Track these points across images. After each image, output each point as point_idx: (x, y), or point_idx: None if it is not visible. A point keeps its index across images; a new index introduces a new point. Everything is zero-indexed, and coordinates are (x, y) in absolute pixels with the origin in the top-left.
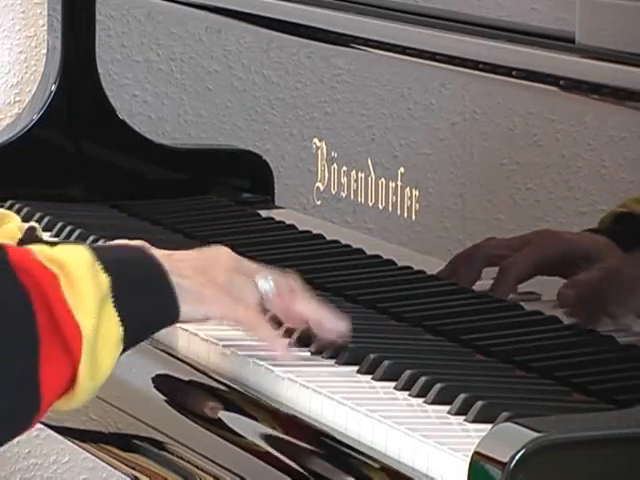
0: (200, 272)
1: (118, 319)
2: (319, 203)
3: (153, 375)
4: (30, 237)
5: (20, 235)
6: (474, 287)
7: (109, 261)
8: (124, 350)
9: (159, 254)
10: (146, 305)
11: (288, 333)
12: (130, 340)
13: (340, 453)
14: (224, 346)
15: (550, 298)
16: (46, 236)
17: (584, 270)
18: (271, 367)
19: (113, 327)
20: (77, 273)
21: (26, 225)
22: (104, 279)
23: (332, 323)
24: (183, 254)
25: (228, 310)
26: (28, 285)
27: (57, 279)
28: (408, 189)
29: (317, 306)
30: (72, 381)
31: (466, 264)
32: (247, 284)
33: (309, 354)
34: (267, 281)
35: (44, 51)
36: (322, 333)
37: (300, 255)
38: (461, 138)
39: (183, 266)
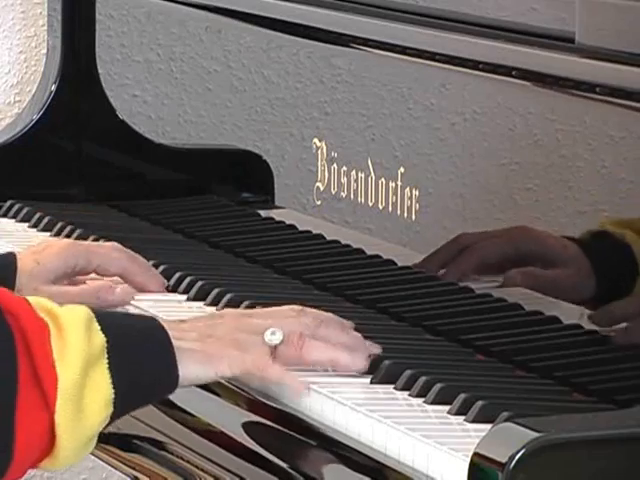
0: (205, 334)
1: (110, 381)
2: (319, 203)
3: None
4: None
5: None
6: (474, 287)
7: (110, 323)
8: (118, 413)
9: (168, 323)
10: (143, 370)
11: None
12: (123, 403)
13: (340, 453)
14: None
15: (550, 298)
16: (46, 236)
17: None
18: None
19: (104, 388)
20: (68, 327)
21: None
22: (100, 339)
23: (346, 365)
24: (191, 320)
25: (236, 363)
26: (14, 331)
27: (47, 329)
28: (408, 189)
29: (328, 350)
30: (51, 431)
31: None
32: (253, 339)
33: None
34: (274, 334)
35: (44, 51)
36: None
37: (300, 255)
38: (461, 138)
39: (188, 331)
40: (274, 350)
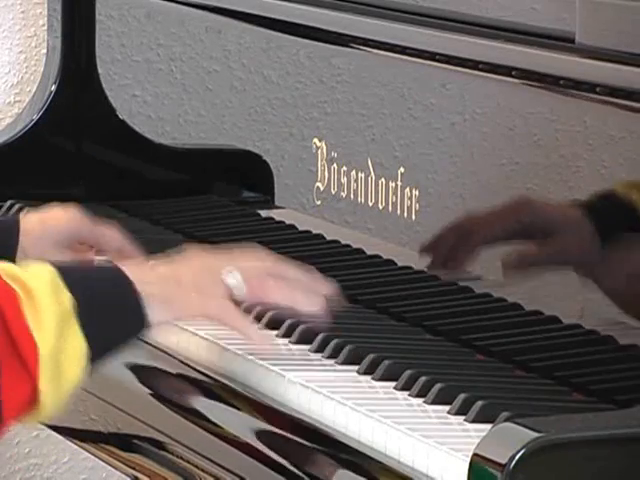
0: (166, 277)
1: (82, 336)
2: (319, 203)
3: (155, 375)
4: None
5: None
6: (474, 287)
7: (74, 279)
8: (93, 368)
9: (128, 266)
10: (112, 319)
11: (258, 318)
12: (97, 355)
13: (340, 453)
14: (222, 345)
15: (550, 298)
16: None
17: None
18: (271, 367)
19: (77, 344)
20: (38, 291)
21: None
22: (67, 297)
23: (305, 307)
24: (153, 263)
25: (197, 307)
26: None
27: (17, 297)
28: (408, 189)
29: (286, 292)
30: (34, 396)
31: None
32: (213, 280)
33: (308, 353)
34: (233, 275)
35: (44, 51)
36: (298, 316)
37: (300, 255)
38: (461, 138)
39: (150, 274)
40: (234, 292)
